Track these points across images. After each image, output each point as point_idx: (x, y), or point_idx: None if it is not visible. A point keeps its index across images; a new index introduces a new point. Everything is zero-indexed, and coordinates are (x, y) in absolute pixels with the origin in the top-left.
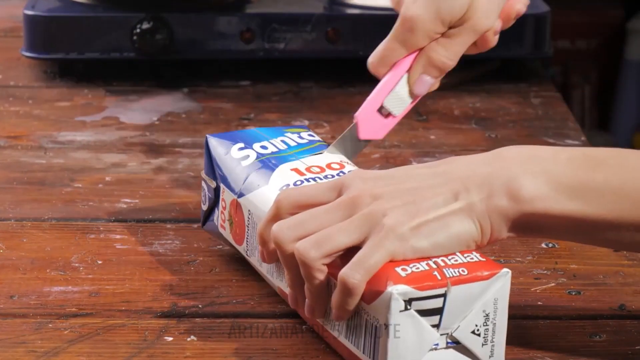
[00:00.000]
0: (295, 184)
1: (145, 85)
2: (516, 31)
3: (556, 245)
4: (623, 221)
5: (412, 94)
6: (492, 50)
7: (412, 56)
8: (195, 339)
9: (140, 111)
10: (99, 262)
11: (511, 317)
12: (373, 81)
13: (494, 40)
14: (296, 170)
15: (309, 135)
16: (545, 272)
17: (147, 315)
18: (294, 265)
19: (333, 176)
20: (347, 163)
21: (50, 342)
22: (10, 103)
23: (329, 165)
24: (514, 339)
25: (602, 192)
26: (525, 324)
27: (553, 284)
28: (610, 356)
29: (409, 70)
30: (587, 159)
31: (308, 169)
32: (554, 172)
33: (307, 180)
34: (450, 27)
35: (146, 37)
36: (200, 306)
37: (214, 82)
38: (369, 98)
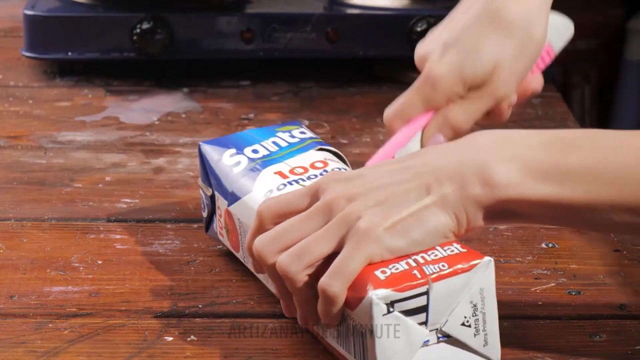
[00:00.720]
0: (278, 188)
1: (145, 85)
2: None
3: (556, 245)
4: (599, 202)
5: None
6: None
7: (427, 115)
8: (195, 339)
9: (140, 111)
10: (99, 262)
11: (511, 317)
12: (373, 82)
13: (507, 112)
14: (279, 173)
15: (301, 132)
16: (545, 272)
17: (147, 315)
18: (279, 278)
19: (316, 176)
20: (331, 160)
21: (50, 342)
22: (10, 103)
23: (312, 165)
24: (513, 339)
25: (576, 174)
26: (525, 324)
27: (553, 284)
28: (610, 356)
29: (424, 128)
30: (559, 142)
31: (291, 171)
32: (526, 157)
33: (291, 183)
34: (470, 90)
35: (146, 37)
36: (200, 306)
37: (214, 82)
38: (382, 149)
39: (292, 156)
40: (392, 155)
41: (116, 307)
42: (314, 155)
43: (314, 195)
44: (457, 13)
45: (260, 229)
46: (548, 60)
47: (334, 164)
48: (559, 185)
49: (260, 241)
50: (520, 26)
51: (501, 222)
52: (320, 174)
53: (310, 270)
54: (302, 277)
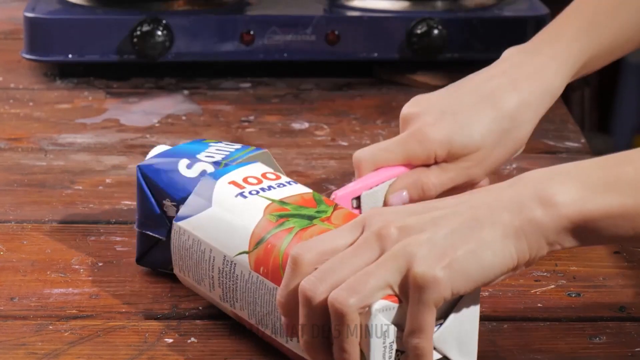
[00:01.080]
0: (236, 197)
1: (145, 87)
2: (516, 33)
3: None
4: None
5: (385, 200)
6: (492, 51)
7: (398, 168)
8: (195, 340)
9: (141, 113)
10: (99, 264)
11: (511, 319)
12: (373, 84)
13: None
14: (234, 183)
15: (226, 144)
16: (545, 274)
17: (147, 317)
18: (319, 321)
19: (271, 187)
20: (283, 175)
21: (50, 344)
22: (10, 105)
23: (264, 175)
24: (513, 341)
25: (636, 181)
26: (525, 326)
27: (553, 286)
28: (610, 358)
29: (394, 180)
30: (611, 159)
31: (245, 180)
32: (582, 175)
33: (250, 193)
34: (448, 159)
35: (146, 39)
36: (200, 308)
37: (214, 84)
38: (353, 184)
39: (240, 166)
40: (359, 194)
41: (116, 309)
42: (262, 167)
43: (359, 229)
44: (456, 88)
45: (299, 276)
46: None
47: (286, 177)
48: (621, 195)
49: (309, 282)
50: (509, 117)
51: (566, 244)
52: (278, 185)
53: (363, 310)
54: (357, 314)
